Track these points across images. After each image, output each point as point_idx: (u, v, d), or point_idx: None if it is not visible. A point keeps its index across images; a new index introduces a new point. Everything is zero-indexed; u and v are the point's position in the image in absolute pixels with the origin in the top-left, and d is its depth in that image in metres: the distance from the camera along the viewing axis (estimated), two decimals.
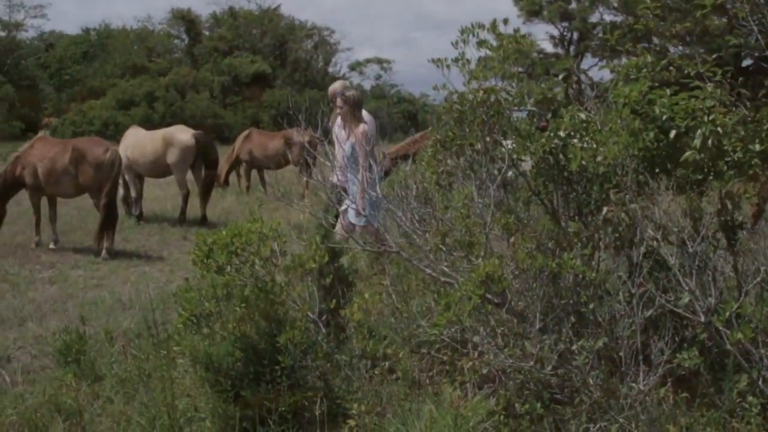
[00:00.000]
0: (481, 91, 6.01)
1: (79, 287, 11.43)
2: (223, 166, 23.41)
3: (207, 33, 74.12)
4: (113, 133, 42.31)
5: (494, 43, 6.18)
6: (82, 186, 14.30)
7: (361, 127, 10.39)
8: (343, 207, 10.33)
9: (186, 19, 73.14)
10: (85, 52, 69.59)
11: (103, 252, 13.76)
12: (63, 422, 6.17)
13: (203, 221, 17.95)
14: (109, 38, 71.06)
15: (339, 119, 11.34)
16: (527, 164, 6.27)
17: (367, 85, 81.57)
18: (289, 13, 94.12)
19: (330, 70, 77.55)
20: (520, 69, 6.51)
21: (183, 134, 18.21)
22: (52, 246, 14.46)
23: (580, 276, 5.44)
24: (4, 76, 58.47)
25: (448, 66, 6.13)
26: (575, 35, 56.15)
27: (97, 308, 9.95)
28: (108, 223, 14.03)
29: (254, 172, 23.78)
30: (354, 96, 10.66)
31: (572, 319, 5.48)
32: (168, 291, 10.06)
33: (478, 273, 5.16)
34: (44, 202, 14.82)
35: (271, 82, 66.46)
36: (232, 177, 24.55)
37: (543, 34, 63.36)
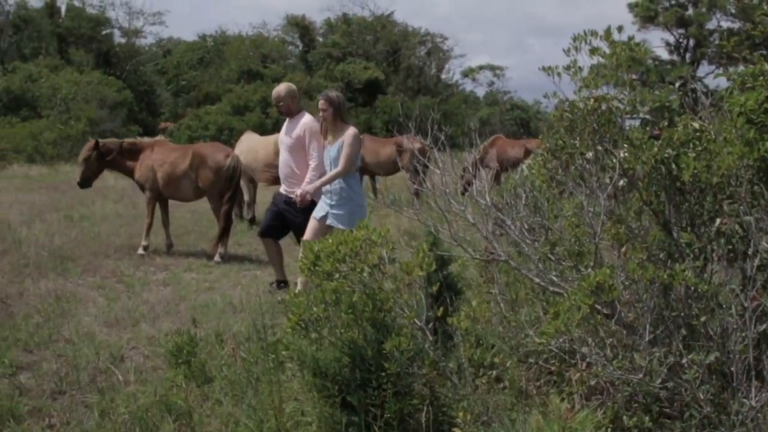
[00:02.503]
0: (592, 99, 5.95)
1: (191, 290, 11.63)
2: None
3: (321, 39, 74.82)
4: (227, 138, 42.99)
5: (607, 51, 6.10)
6: (202, 190, 14.60)
7: (351, 129, 10.29)
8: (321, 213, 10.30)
9: (300, 26, 73.98)
10: (202, 58, 70.86)
11: (216, 256, 13.99)
12: (173, 422, 6.29)
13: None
14: (224, 44, 72.21)
15: (286, 124, 11.19)
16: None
17: (480, 91, 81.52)
18: (402, 19, 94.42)
19: (443, 76, 77.63)
20: (634, 76, 6.42)
21: None
22: (141, 251, 14.64)
23: (692, 288, 5.34)
24: (123, 82, 59.82)
25: (558, 74, 6.07)
26: (691, 42, 55.18)
27: (209, 311, 10.11)
28: (226, 230, 14.30)
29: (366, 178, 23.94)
30: (339, 97, 10.43)
31: (683, 331, 5.39)
32: (278, 295, 10.19)
33: (588, 282, 5.10)
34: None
35: (384, 88, 66.73)
36: None
37: (658, 41, 62.30)
